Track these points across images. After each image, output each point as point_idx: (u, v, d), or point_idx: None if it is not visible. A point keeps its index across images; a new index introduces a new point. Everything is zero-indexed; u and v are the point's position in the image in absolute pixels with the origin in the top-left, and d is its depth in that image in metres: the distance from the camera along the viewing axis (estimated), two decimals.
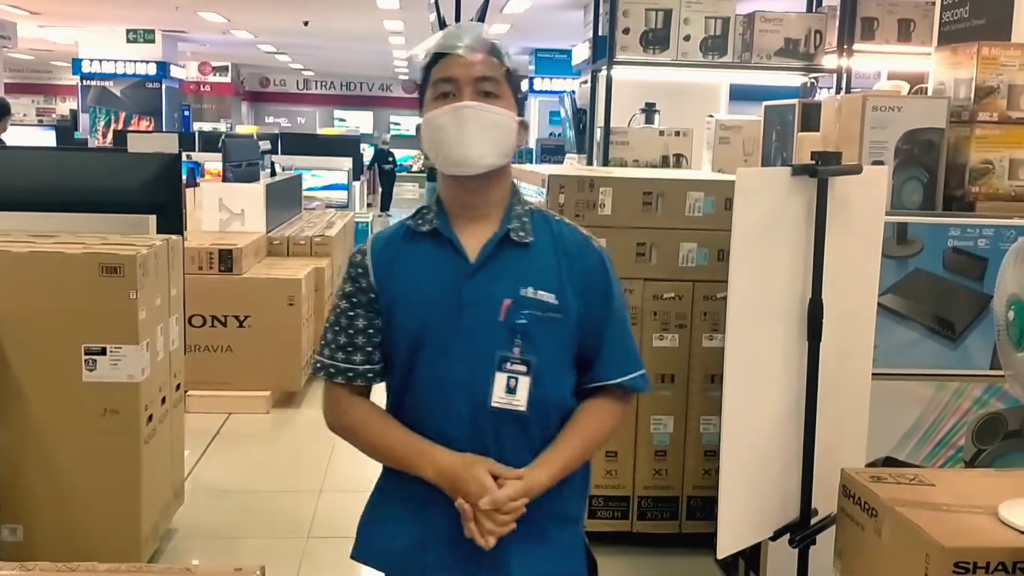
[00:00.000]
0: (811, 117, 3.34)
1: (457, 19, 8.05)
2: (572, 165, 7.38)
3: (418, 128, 1.82)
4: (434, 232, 1.78)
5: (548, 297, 1.74)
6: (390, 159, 18.58)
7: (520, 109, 1.80)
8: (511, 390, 1.72)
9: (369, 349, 1.80)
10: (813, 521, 2.38)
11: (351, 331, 1.80)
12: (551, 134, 14.61)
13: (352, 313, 1.80)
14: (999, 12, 3.44)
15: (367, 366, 1.80)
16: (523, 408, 1.73)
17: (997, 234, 2.76)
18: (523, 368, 1.72)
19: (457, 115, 1.71)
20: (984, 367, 2.79)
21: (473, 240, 1.76)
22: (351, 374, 1.80)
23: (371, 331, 1.80)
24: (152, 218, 3.70)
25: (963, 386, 2.81)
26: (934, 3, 4.14)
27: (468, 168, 1.73)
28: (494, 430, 1.74)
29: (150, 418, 3.36)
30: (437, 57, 1.76)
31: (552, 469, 1.73)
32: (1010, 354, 1.91)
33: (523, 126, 1.79)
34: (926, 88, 3.36)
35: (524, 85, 1.78)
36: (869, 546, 1.91)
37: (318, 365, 1.83)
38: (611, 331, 1.82)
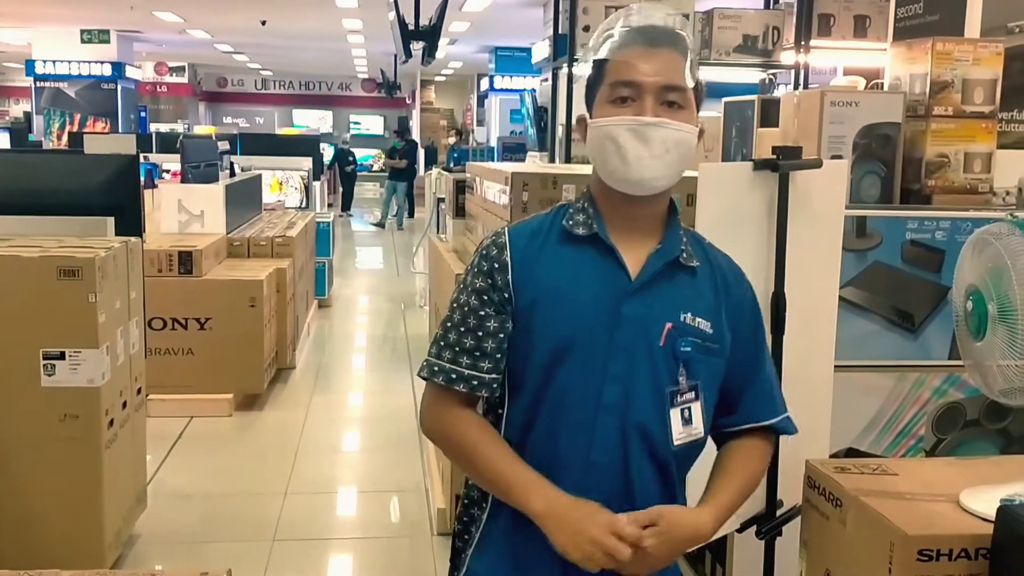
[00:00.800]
0: (770, 113, 3.36)
1: (416, 17, 7.83)
2: (534, 163, 7.39)
3: (580, 120, 1.65)
4: (592, 238, 1.60)
5: (705, 326, 1.60)
6: (351, 159, 18.48)
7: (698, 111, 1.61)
8: (687, 421, 1.60)
9: (498, 356, 1.59)
10: (779, 513, 2.40)
11: (480, 333, 1.59)
12: (512, 132, 14.62)
13: (483, 313, 1.59)
14: (952, 8, 3.49)
15: (494, 375, 1.59)
16: (702, 434, 1.62)
17: (953, 226, 2.80)
18: (692, 395, 1.60)
19: (639, 133, 1.53)
20: (943, 357, 2.82)
21: (631, 254, 1.59)
22: (476, 382, 1.59)
23: (502, 336, 1.59)
24: (110, 220, 3.66)
25: (923, 376, 2.85)
26: None
27: (642, 190, 1.57)
28: (642, 457, 1.59)
29: (111, 423, 3.32)
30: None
31: (718, 513, 1.60)
32: (968, 344, 1.94)
33: (701, 134, 1.62)
34: (882, 83, 3.40)
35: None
36: (834, 536, 1.94)
37: (435, 369, 1.61)
38: (763, 370, 1.70)
